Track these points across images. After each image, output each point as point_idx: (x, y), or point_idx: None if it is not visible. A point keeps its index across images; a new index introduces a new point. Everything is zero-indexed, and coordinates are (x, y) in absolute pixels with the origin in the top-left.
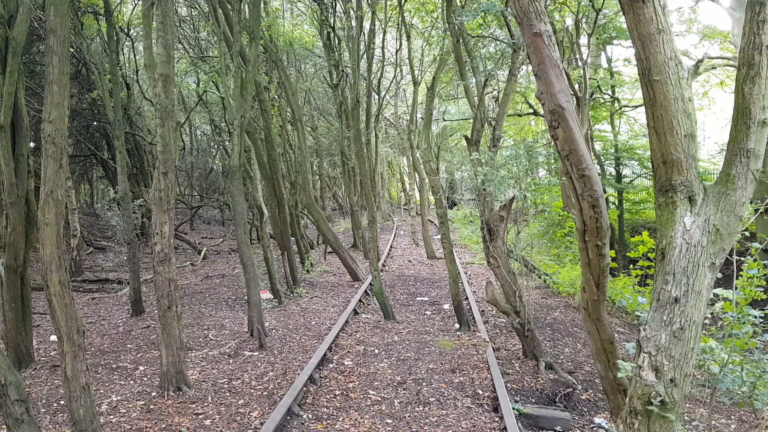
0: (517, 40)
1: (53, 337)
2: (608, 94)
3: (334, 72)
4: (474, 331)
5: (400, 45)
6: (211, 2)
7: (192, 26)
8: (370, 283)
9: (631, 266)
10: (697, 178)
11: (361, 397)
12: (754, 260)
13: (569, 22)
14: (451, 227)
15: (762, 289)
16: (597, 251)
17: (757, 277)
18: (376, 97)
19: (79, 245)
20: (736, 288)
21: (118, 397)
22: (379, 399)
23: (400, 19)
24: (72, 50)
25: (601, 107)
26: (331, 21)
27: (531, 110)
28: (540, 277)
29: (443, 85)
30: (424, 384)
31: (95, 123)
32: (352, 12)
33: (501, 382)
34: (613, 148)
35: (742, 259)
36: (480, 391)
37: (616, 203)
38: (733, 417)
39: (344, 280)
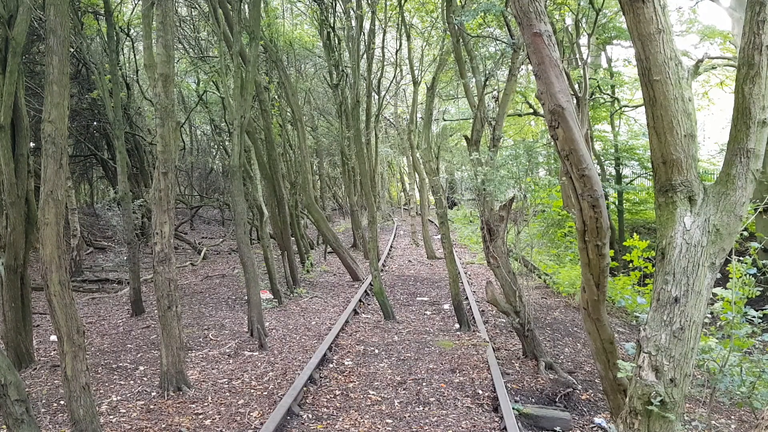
0: (517, 40)
1: (53, 337)
2: (608, 94)
3: (334, 72)
4: (474, 331)
5: (400, 45)
6: (211, 2)
7: (192, 26)
8: (370, 283)
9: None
10: (697, 178)
11: (361, 397)
12: (754, 260)
13: (569, 22)
14: (451, 227)
15: (760, 290)
16: (597, 251)
17: (746, 275)
18: (376, 97)
19: (79, 245)
20: (728, 288)
21: (118, 397)
22: (379, 399)
23: (400, 19)
24: (72, 50)
25: (601, 107)
26: (331, 21)
27: (531, 110)
28: (540, 277)
29: (443, 85)
30: (424, 384)
31: (95, 123)
32: (352, 12)
33: (501, 382)
34: (613, 148)
35: (742, 258)
36: (480, 391)
37: (616, 203)
38: (733, 417)
39: (344, 280)
